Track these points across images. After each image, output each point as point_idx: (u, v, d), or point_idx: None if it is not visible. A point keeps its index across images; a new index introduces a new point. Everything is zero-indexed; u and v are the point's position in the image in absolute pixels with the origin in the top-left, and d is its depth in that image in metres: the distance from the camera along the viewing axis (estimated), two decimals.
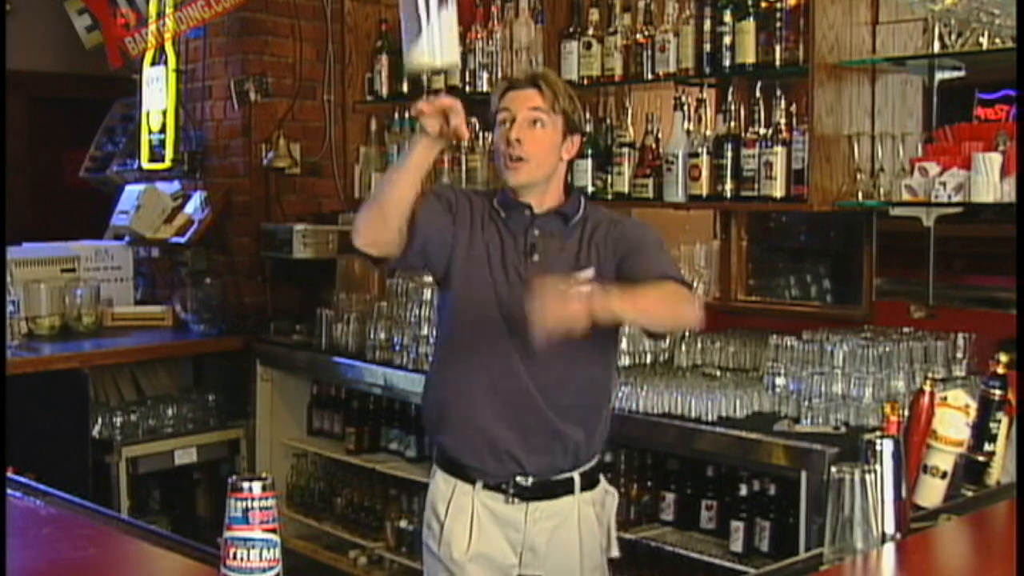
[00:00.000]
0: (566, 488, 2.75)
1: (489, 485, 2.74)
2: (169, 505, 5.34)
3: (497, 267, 2.71)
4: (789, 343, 3.60)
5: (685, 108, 4.08)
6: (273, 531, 1.77)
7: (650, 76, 4.16)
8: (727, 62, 3.89)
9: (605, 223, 2.76)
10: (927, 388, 2.46)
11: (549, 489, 2.74)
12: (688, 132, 4.06)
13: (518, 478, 2.72)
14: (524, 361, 2.66)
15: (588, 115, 4.40)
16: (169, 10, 5.37)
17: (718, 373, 3.87)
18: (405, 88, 5.22)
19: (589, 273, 2.46)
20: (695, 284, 2.70)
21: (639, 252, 2.69)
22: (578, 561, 2.77)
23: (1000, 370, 2.57)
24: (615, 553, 2.87)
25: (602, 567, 2.84)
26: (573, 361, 2.67)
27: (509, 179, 2.71)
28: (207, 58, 5.54)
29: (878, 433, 2.21)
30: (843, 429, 3.33)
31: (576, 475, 2.76)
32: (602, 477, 2.88)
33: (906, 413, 2.45)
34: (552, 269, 2.58)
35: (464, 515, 2.75)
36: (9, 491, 2.52)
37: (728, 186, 3.92)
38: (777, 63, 3.77)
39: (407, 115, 5.21)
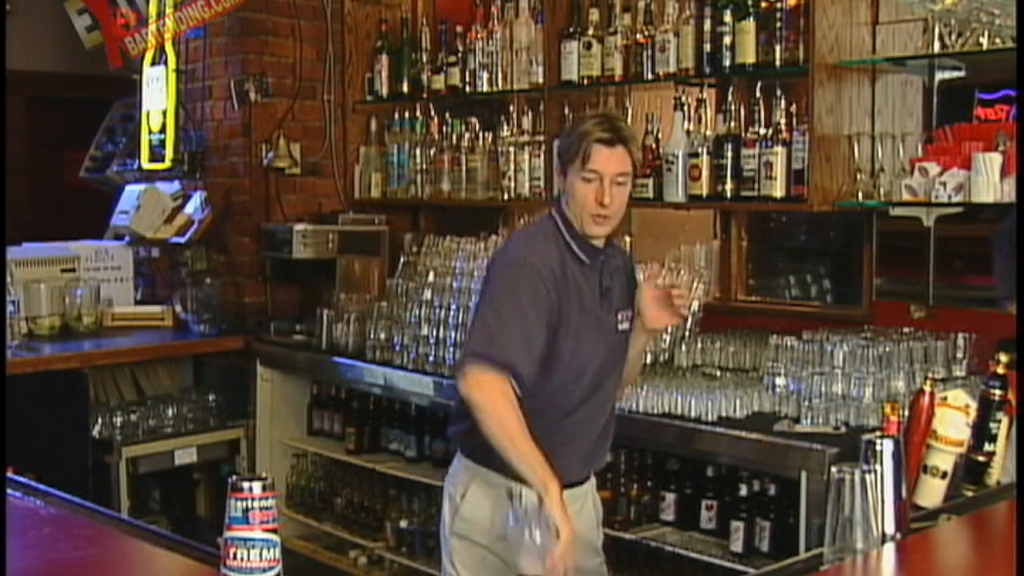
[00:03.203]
0: (587, 476, 3.02)
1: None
2: (169, 505, 5.34)
3: (586, 319, 2.84)
4: (789, 343, 3.60)
5: (685, 108, 4.08)
6: (273, 531, 1.77)
7: (650, 76, 4.16)
8: (727, 62, 3.89)
9: (618, 254, 3.01)
10: (927, 388, 2.46)
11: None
12: (688, 132, 4.06)
13: None
14: (592, 394, 2.89)
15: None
16: (169, 10, 5.37)
17: (718, 373, 3.88)
18: (405, 88, 5.22)
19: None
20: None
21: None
22: (596, 536, 3.05)
23: (1000, 370, 2.57)
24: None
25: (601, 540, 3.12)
26: (615, 386, 2.98)
27: (592, 231, 2.83)
28: (207, 58, 5.54)
29: (878, 433, 2.21)
30: (843, 429, 3.32)
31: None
32: None
33: (906, 413, 2.45)
34: (615, 305, 2.89)
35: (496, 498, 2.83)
36: (9, 491, 2.52)
37: (728, 186, 3.92)
38: (777, 63, 3.78)
39: (407, 115, 5.22)
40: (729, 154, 3.91)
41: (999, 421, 2.57)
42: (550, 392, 2.80)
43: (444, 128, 5.05)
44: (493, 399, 2.65)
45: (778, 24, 3.76)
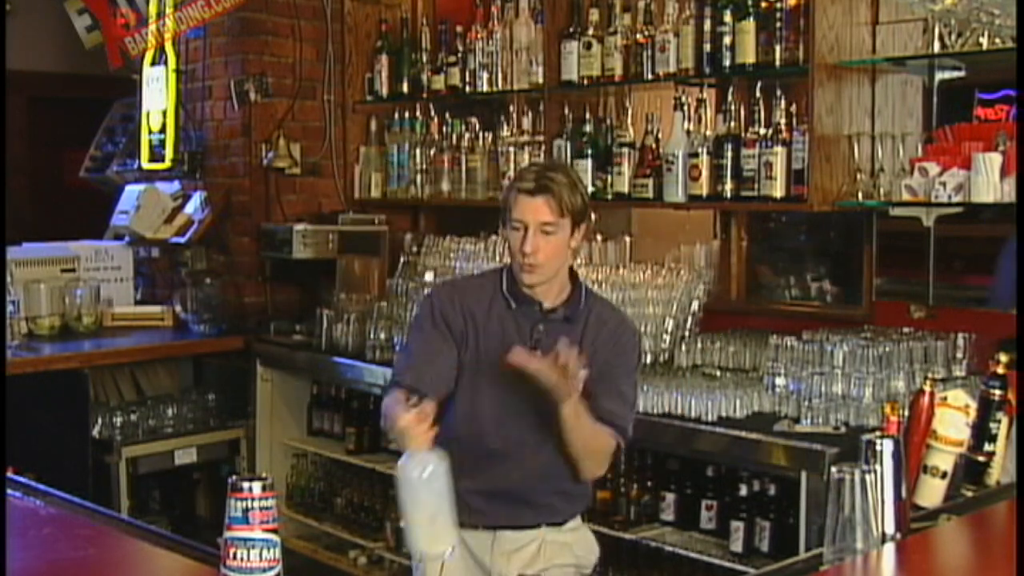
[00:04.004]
0: (535, 523, 2.96)
1: None
2: (169, 505, 5.34)
3: (494, 357, 2.81)
4: (789, 343, 3.60)
5: (685, 108, 4.08)
6: (273, 531, 1.77)
7: (650, 76, 4.16)
8: (727, 62, 3.89)
9: (612, 324, 2.91)
10: (927, 388, 2.46)
11: None
12: (688, 132, 4.06)
13: None
14: (514, 436, 2.86)
15: (588, 115, 4.41)
16: (169, 10, 5.37)
17: (718, 373, 3.87)
18: (405, 88, 5.22)
19: (583, 374, 2.65)
20: (631, 412, 2.85)
21: (612, 371, 2.85)
22: None
23: (1000, 370, 2.57)
24: None
25: None
26: (544, 443, 2.86)
27: (522, 279, 2.84)
28: (207, 58, 5.54)
29: (878, 433, 2.21)
30: (843, 429, 3.32)
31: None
32: None
33: (906, 413, 2.45)
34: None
35: None
36: (9, 491, 2.52)
37: (728, 186, 3.92)
38: (777, 63, 3.78)
39: (407, 115, 5.22)
40: (729, 154, 3.91)
41: (999, 421, 2.57)
42: (467, 420, 2.86)
43: (444, 128, 5.05)
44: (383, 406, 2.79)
45: (778, 24, 3.76)
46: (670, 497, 3.76)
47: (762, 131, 3.82)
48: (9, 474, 2.63)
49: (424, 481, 2.40)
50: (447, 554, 2.45)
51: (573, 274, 2.95)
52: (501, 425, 2.84)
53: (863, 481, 1.95)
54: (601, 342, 2.86)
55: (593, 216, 2.99)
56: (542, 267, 2.80)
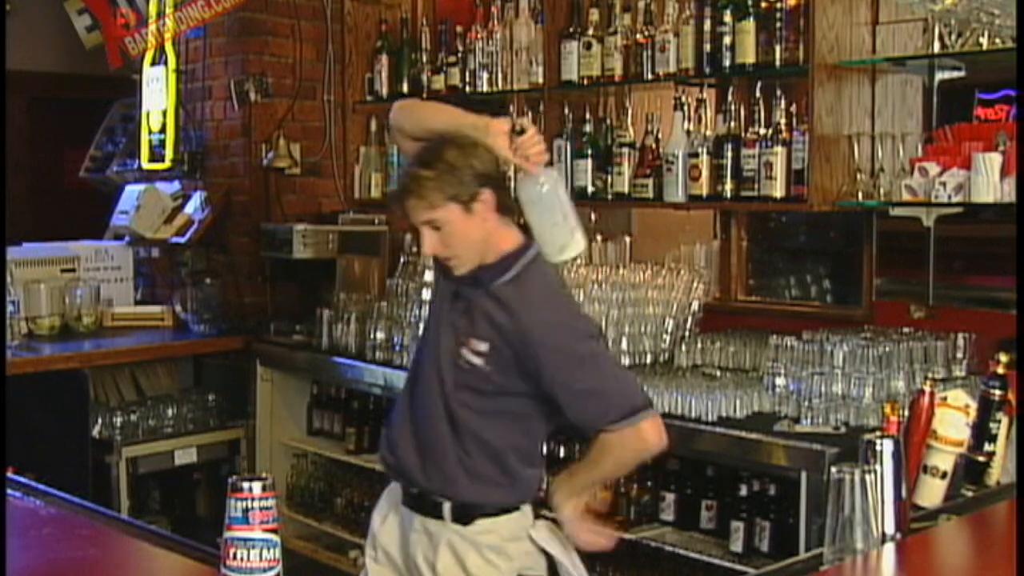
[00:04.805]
0: (420, 494, 2.90)
1: None
2: (169, 505, 5.34)
3: (435, 307, 2.91)
4: (789, 343, 3.60)
5: (685, 108, 4.08)
6: (273, 531, 1.77)
7: (650, 76, 4.16)
8: (727, 62, 3.89)
9: (514, 305, 2.69)
10: (927, 388, 2.46)
11: None
12: (688, 132, 4.06)
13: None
14: (416, 391, 2.87)
15: (588, 115, 4.41)
16: (169, 10, 5.37)
17: (718, 373, 3.87)
18: (405, 88, 5.22)
19: (480, 350, 2.70)
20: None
21: (560, 383, 2.65)
22: None
23: (1000, 370, 2.57)
24: None
25: None
26: (433, 406, 2.84)
27: (453, 274, 2.79)
28: (207, 58, 5.54)
29: (878, 433, 2.21)
30: (843, 429, 3.32)
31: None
32: None
33: (906, 413, 2.45)
34: (463, 317, 2.76)
35: None
36: (9, 491, 2.52)
37: (728, 186, 3.92)
38: (777, 63, 3.78)
39: None
40: (729, 154, 3.91)
41: (999, 421, 2.57)
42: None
43: None
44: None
45: (778, 24, 3.76)
46: (670, 497, 3.76)
47: (762, 131, 3.82)
48: (9, 474, 2.63)
49: (545, 194, 2.71)
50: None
51: (521, 244, 2.77)
52: (420, 370, 2.87)
53: (863, 481, 1.95)
54: (516, 338, 2.67)
55: (504, 175, 2.82)
56: (458, 258, 2.73)
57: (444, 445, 2.77)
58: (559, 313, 2.74)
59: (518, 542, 2.79)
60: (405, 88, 5.21)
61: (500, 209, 2.73)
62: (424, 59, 5.12)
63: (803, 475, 3.19)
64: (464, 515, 2.77)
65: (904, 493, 2.16)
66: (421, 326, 3.06)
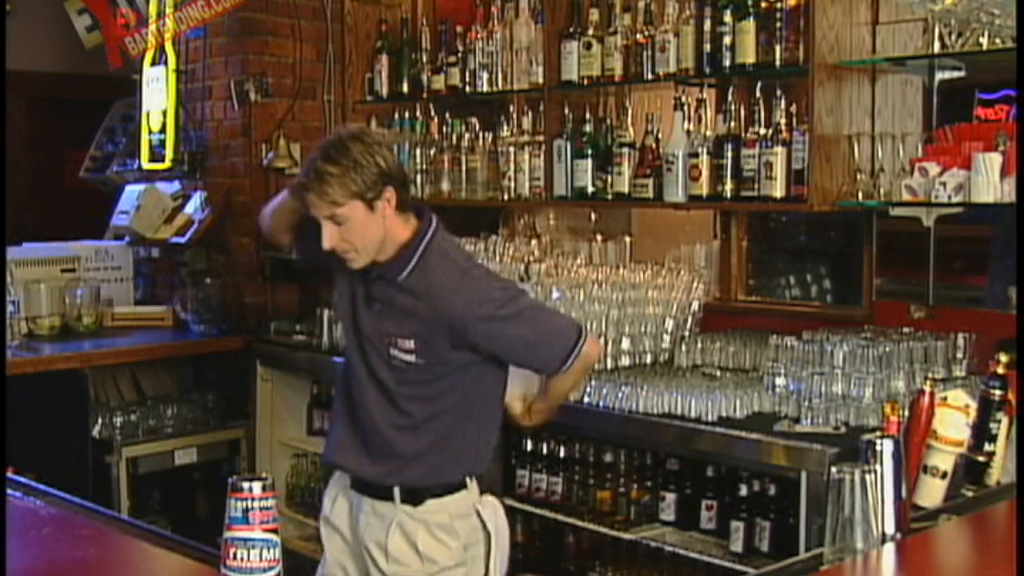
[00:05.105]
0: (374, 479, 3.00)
1: None
2: (169, 505, 5.34)
3: (348, 312, 2.97)
4: (789, 343, 3.60)
5: (685, 108, 4.07)
6: (273, 531, 1.77)
7: (650, 76, 4.16)
8: (727, 62, 3.89)
9: (428, 293, 2.79)
10: (927, 388, 2.46)
11: None
12: (688, 132, 4.05)
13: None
14: (355, 390, 2.99)
15: (588, 115, 4.41)
16: (169, 10, 5.37)
17: (718, 373, 3.87)
18: (405, 88, 5.22)
19: (408, 347, 2.79)
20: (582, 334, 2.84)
21: (500, 348, 2.84)
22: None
23: (1000, 370, 2.57)
24: None
25: None
26: (379, 406, 2.97)
27: (350, 267, 2.85)
28: (207, 58, 5.54)
29: (878, 433, 2.21)
30: (843, 429, 3.32)
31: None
32: None
33: (906, 413, 2.45)
34: (385, 320, 2.85)
35: None
36: (9, 491, 2.52)
37: (728, 186, 3.92)
38: (777, 63, 3.77)
39: (407, 115, 5.22)
40: (729, 154, 3.91)
41: (999, 421, 2.57)
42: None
43: (444, 128, 5.05)
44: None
45: (778, 24, 3.76)
46: (670, 497, 3.76)
47: (762, 131, 3.82)
48: (9, 474, 2.64)
49: None
50: None
51: (415, 231, 2.84)
52: (352, 374, 2.97)
53: (863, 481, 1.95)
54: (435, 317, 2.77)
55: (406, 173, 2.90)
56: (356, 252, 2.78)
57: (396, 443, 2.87)
58: (473, 288, 2.81)
59: (465, 518, 2.90)
60: (405, 88, 5.21)
61: (400, 207, 2.80)
62: (424, 59, 5.12)
63: (803, 475, 3.19)
64: (413, 496, 2.87)
65: (904, 493, 2.16)
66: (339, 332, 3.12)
